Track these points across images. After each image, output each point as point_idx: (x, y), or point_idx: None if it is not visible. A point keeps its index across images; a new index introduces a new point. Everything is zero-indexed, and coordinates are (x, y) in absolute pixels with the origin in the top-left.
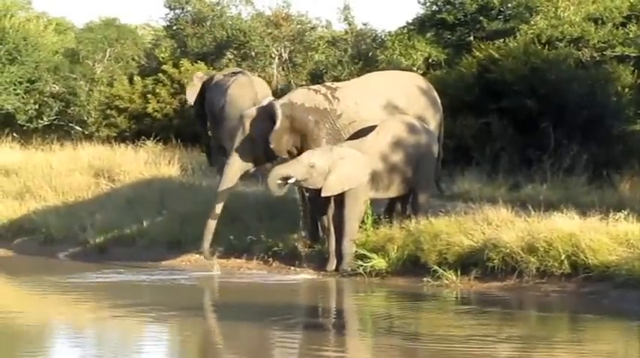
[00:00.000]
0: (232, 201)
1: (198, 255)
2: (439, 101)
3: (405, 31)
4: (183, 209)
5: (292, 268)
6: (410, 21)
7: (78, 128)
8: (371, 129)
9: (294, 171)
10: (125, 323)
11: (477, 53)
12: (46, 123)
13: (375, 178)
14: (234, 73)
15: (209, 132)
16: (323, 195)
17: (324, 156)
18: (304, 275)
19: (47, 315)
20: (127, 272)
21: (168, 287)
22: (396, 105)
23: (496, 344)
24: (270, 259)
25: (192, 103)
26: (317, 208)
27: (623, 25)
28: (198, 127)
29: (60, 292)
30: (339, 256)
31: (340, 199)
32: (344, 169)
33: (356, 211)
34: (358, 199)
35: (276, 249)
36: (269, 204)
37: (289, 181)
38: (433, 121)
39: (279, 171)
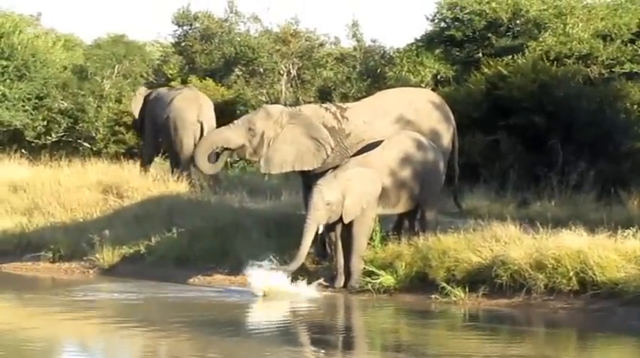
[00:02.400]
0: (240, 217)
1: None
2: (452, 116)
3: (413, 47)
4: (191, 225)
5: (301, 285)
6: (418, 37)
7: (86, 144)
8: (376, 144)
9: (318, 219)
10: (138, 342)
11: (486, 70)
12: (54, 139)
13: (381, 194)
14: (178, 88)
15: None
16: (346, 221)
17: (333, 188)
18: (311, 292)
19: (55, 333)
20: (138, 290)
21: (182, 304)
22: (406, 121)
23: None
24: None
25: (137, 116)
26: (325, 225)
27: (632, 41)
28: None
29: (68, 310)
30: (348, 273)
31: None
32: (356, 190)
33: (364, 228)
34: (367, 216)
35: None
36: (277, 220)
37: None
38: (446, 137)
39: (308, 230)
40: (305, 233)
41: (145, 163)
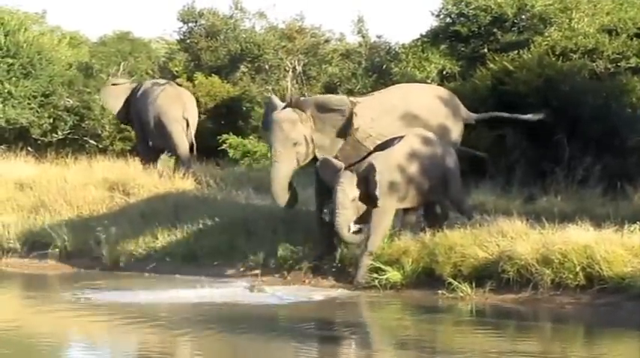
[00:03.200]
0: (247, 214)
1: (213, 268)
2: (462, 111)
3: (418, 43)
4: (198, 222)
5: (307, 282)
6: (424, 33)
7: (92, 142)
8: (392, 142)
9: (348, 218)
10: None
11: (491, 65)
12: (60, 137)
13: (396, 188)
14: (161, 84)
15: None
16: (379, 206)
17: (351, 180)
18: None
19: (61, 332)
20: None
21: (189, 304)
22: (414, 117)
23: None
24: (285, 273)
25: (116, 113)
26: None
27: (638, 36)
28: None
29: (75, 308)
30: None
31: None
32: (374, 179)
33: (383, 225)
34: (386, 212)
35: (291, 262)
36: (284, 216)
37: (356, 228)
38: (455, 132)
39: (342, 231)
40: (341, 237)
41: (146, 161)
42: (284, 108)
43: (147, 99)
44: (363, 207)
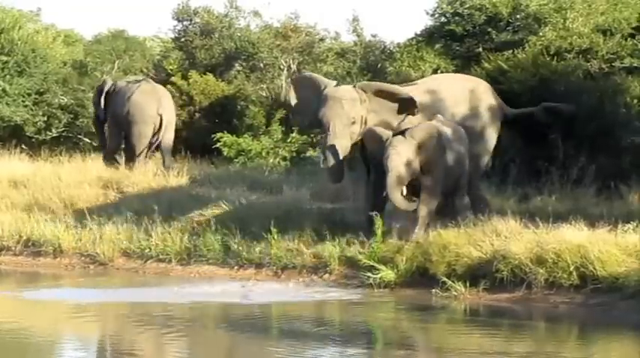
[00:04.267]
0: (241, 213)
1: (207, 266)
2: (502, 104)
3: (413, 42)
4: (192, 220)
5: (301, 280)
6: (418, 32)
7: (86, 140)
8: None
9: (402, 179)
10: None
11: (486, 64)
12: (54, 135)
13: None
14: (138, 81)
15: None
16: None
17: (406, 143)
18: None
19: (54, 330)
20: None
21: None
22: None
23: None
24: (280, 271)
25: (99, 110)
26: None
27: (632, 36)
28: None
29: (69, 307)
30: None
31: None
32: (440, 144)
33: (437, 191)
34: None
35: (285, 261)
36: (277, 215)
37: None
38: (494, 124)
39: (394, 194)
40: (393, 200)
41: (109, 156)
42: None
43: (123, 96)
44: (416, 170)
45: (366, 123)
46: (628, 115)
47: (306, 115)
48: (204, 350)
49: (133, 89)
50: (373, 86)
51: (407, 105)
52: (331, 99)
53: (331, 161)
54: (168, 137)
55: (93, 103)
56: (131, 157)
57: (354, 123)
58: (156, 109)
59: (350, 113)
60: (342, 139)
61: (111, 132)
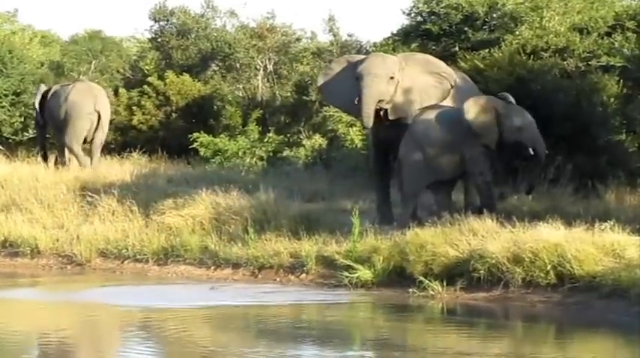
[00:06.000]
0: (218, 213)
1: (184, 266)
2: None
3: (390, 41)
4: (169, 221)
5: (278, 280)
6: (395, 32)
7: None
8: None
9: None
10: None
11: (462, 64)
12: (31, 135)
13: None
14: (72, 82)
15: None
16: None
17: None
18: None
19: (30, 331)
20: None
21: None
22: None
23: None
24: (257, 271)
25: (37, 114)
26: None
27: (609, 34)
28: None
29: (44, 308)
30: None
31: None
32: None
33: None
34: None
35: (262, 260)
36: (254, 215)
37: None
38: None
39: None
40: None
41: (42, 155)
42: None
43: (59, 98)
44: None
45: (395, 92)
46: (605, 114)
47: (341, 96)
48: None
49: (69, 90)
50: (418, 58)
51: (441, 86)
52: (375, 55)
53: (365, 106)
54: (101, 135)
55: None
56: (61, 153)
57: (391, 79)
58: (93, 106)
59: (390, 70)
60: (375, 87)
61: (55, 137)
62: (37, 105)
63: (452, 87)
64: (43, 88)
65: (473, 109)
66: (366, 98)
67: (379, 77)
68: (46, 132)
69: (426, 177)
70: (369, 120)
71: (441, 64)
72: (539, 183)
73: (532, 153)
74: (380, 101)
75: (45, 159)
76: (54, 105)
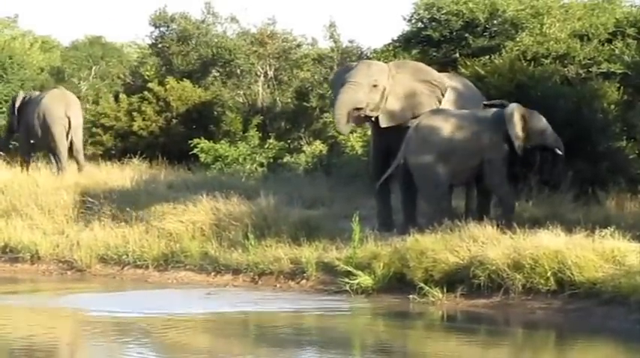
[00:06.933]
0: (219, 219)
1: (185, 272)
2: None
3: (390, 48)
4: (169, 227)
5: (278, 286)
6: (395, 38)
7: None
8: None
9: None
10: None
11: (463, 70)
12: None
13: None
14: (47, 90)
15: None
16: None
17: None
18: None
19: (30, 337)
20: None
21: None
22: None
23: None
24: (257, 277)
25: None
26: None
27: (609, 41)
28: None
29: (44, 314)
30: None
31: None
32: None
33: None
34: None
35: (262, 266)
36: (254, 221)
37: None
38: None
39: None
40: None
41: (25, 161)
42: None
43: (34, 105)
44: None
45: (384, 100)
46: (605, 121)
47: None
48: None
49: (43, 95)
50: (409, 65)
51: (432, 94)
52: (362, 63)
53: (337, 110)
54: (76, 141)
55: (8, 115)
56: (56, 158)
57: (375, 86)
58: (64, 111)
59: (373, 76)
60: (353, 93)
61: (22, 140)
62: (15, 111)
63: (443, 95)
64: (21, 94)
65: (517, 115)
66: (337, 104)
67: (358, 85)
68: (12, 138)
69: (444, 179)
70: (340, 126)
71: (433, 72)
72: (540, 190)
73: (559, 152)
74: (358, 109)
75: (24, 164)
76: (28, 112)
